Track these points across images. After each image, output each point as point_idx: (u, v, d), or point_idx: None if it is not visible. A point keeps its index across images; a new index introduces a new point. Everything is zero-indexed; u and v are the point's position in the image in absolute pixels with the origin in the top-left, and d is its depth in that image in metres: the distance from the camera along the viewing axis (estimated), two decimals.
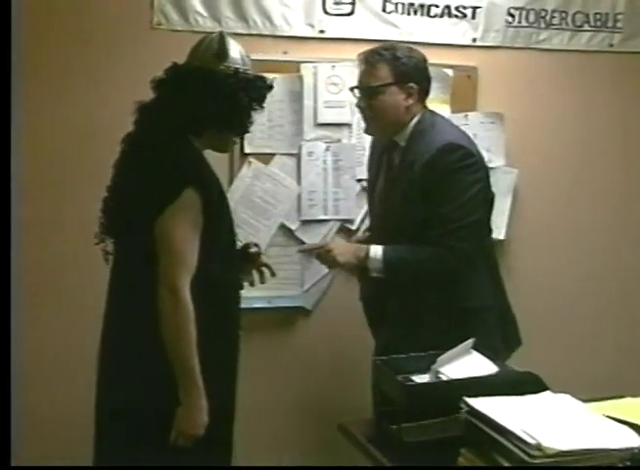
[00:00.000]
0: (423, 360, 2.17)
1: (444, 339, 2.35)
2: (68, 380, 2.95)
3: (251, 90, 2.24)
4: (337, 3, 3.19)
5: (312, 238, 3.21)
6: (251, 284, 2.54)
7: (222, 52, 2.23)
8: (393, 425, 2.04)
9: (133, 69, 2.88)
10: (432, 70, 3.23)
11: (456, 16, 3.32)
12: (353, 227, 3.26)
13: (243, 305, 3.05)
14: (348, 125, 3.23)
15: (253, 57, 3.04)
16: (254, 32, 3.10)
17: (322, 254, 2.59)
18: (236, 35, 3.04)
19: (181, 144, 2.19)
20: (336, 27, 3.19)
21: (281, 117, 3.15)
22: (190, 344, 2.09)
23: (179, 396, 2.12)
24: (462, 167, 2.49)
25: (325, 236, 3.24)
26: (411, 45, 3.23)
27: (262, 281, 2.60)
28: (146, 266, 2.12)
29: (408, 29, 3.27)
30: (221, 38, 2.27)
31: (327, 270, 3.21)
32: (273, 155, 3.16)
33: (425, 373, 2.13)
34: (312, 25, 3.17)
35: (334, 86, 3.20)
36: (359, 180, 3.24)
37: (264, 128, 3.12)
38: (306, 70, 3.16)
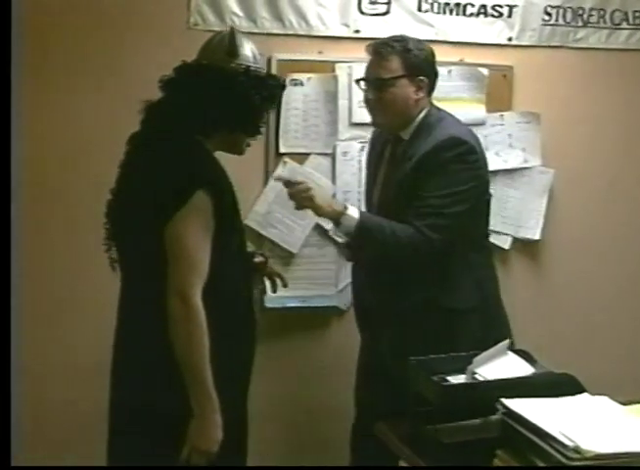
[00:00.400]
0: (459, 361, 2.16)
1: (428, 339, 2.45)
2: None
3: (262, 89, 2.16)
4: (372, 3, 3.19)
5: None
6: (263, 291, 2.49)
7: (233, 49, 2.16)
8: (429, 426, 2.04)
9: (170, 69, 2.89)
10: (467, 70, 3.27)
11: (492, 15, 3.30)
12: None
13: (277, 305, 3.10)
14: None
15: (289, 57, 3.12)
16: (290, 32, 3.11)
17: (300, 189, 2.45)
18: (271, 35, 3.10)
19: (191, 145, 2.11)
20: (371, 27, 3.19)
21: (316, 117, 3.16)
22: (203, 354, 2.00)
23: (192, 409, 2.02)
24: (459, 161, 2.46)
25: None
26: (444, 44, 3.28)
27: (274, 290, 2.56)
28: (156, 273, 2.03)
29: (443, 29, 3.26)
30: (232, 35, 2.19)
31: None
32: (308, 154, 3.17)
33: (461, 374, 2.13)
34: (347, 25, 3.17)
35: None
36: None
37: (299, 128, 3.13)
38: (341, 70, 3.16)
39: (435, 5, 3.25)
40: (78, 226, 2.73)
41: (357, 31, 3.18)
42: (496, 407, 1.90)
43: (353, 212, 2.46)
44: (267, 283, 2.56)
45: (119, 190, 2.20)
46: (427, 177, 2.45)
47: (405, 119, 2.56)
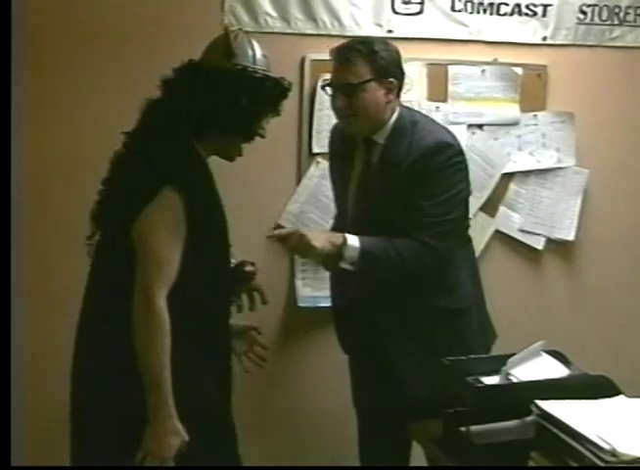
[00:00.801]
0: (492, 362, 2.15)
1: (428, 339, 2.44)
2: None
3: (257, 91, 2.06)
4: (405, 2, 3.19)
5: None
6: (239, 309, 2.33)
7: (228, 49, 2.07)
8: (462, 427, 2.03)
9: None
10: (501, 70, 3.25)
11: (526, 14, 3.28)
12: None
13: (309, 305, 3.11)
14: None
15: (322, 57, 3.10)
16: (323, 33, 3.12)
17: (294, 240, 2.36)
18: (305, 36, 3.11)
19: (177, 145, 2.04)
20: (404, 27, 3.18)
21: None
22: (161, 357, 1.93)
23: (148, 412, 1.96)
24: (451, 165, 2.43)
25: None
26: (478, 44, 3.27)
27: (252, 308, 2.39)
28: (124, 267, 1.99)
29: (477, 28, 3.24)
30: (226, 35, 2.12)
31: None
32: None
33: (494, 375, 2.11)
34: (380, 25, 3.17)
35: None
36: None
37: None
38: None
39: (469, 4, 3.23)
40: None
41: (390, 31, 3.18)
42: (531, 409, 1.89)
43: (353, 241, 2.38)
44: (245, 299, 2.39)
45: (106, 182, 2.15)
46: (421, 185, 2.40)
47: (377, 124, 2.49)
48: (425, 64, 3.20)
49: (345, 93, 2.45)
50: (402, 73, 2.54)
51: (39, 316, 3.00)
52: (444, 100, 3.24)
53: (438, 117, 3.22)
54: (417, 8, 3.20)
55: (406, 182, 2.41)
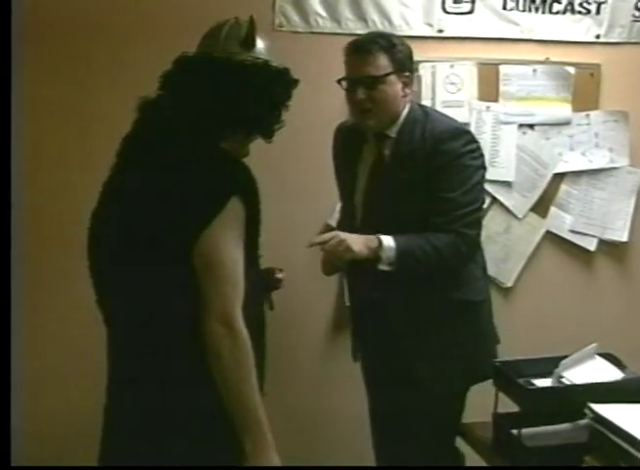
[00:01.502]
0: (544, 364, 2.14)
1: (447, 332, 2.42)
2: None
3: (282, 85, 1.91)
4: (456, 2, 3.17)
5: None
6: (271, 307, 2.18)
7: (250, 40, 1.90)
8: (514, 429, 2.02)
9: None
10: (553, 69, 3.22)
11: (579, 12, 3.24)
12: None
13: None
14: (466, 125, 3.19)
15: None
16: None
17: (334, 244, 2.32)
18: (355, 36, 3.08)
19: (212, 147, 1.83)
20: (455, 26, 3.17)
21: None
22: (255, 388, 1.72)
23: (246, 451, 1.73)
24: (468, 152, 2.42)
25: None
26: (530, 43, 3.23)
27: (271, 307, 2.20)
28: (179, 295, 1.75)
29: (529, 27, 3.21)
30: (251, 24, 1.93)
31: None
32: None
33: (547, 377, 2.10)
34: (431, 25, 3.16)
35: (452, 86, 3.18)
36: None
37: None
38: (425, 70, 3.15)
39: (521, 2, 3.20)
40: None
41: (441, 31, 3.17)
42: (584, 412, 1.87)
43: (388, 241, 2.35)
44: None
45: (108, 212, 1.87)
46: (442, 174, 2.39)
47: (393, 117, 2.48)
48: (475, 63, 3.18)
49: (366, 86, 2.42)
50: (414, 68, 2.57)
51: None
52: (495, 100, 3.21)
53: (489, 117, 3.23)
54: (468, 7, 3.18)
55: (422, 172, 2.40)
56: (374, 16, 3.11)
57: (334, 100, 2.93)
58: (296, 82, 1.94)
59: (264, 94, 1.86)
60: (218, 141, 1.83)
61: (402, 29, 3.12)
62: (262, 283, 2.03)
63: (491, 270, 3.27)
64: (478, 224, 2.45)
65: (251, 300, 1.78)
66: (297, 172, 3.07)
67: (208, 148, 1.81)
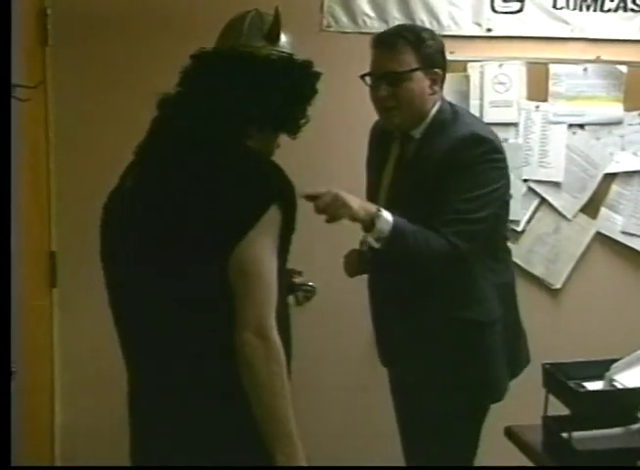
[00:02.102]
0: (596, 367, 2.12)
1: (450, 355, 2.30)
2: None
3: (305, 79, 1.80)
4: (505, 0, 3.14)
5: None
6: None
7: (275, 34, 1.81)
8: (564, 433, 2.00)
9: None
10: (604, 68, 3.18)
11: (632, 9, 3.19)
12: (519, 229, 3.21)
13: None
14: (515, 125, 3.18)
15: None
16: None
17: (327, 199, 2.16)
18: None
19: (246, 148, 1.74)
20: (504, 26, 3.14)
21: None
22: (288, 400, 1.65)
23: (277, 462, 1.65)
24: (485, 161, 2.23)
25: None
26: (580, 42, 3.19)
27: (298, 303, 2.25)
28: (205, 316, 1.67)
29: (580, 25, 3.17)
30: (277, 17, 1.82)
31: None
32: None
33: (597, 380, 2.07)
34: (480, 24, 3.14)
35: (501, 85, 3.16)
36: (525, 180, 3.20)
37: None
38: (473, 70, 3.14)
39: (572, 1, 3.17)
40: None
41: (490, 30, 3.14)
42: (637, 416, 1.84)
43: (387, 215, 2.19)
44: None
45: (128, 220, 1.76)
46: (451, 179, 2.22)
47: (420, 117, 2.31)
48: (524, 62, 3.16)
49: (389, 82, 2.27)
50: (446, 64, 2.38)
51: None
52: (544, 99, 3.18)
53: (538, 117, 3.20)
54: (517, 6, 3.15)
55: (436, 177, 2.24)
56: (422, 15, 3.10)
57: None
58: (318, 75, 1.82)
59: (291, 89, 1.76)
60: (246, 140, 1.74)
61: (451, 29, 3.11)
62: (289, 286, 2.01)
63: (540, 271, 3.27)
64: (472, 237, 2.21)
65: (280, 306, 1.71)
66: (338, 174, 3.03)
67: (239, 148, 1.72)
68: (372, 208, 2.20)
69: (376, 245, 2.20)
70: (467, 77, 3.13)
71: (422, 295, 2.31)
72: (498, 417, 2.60)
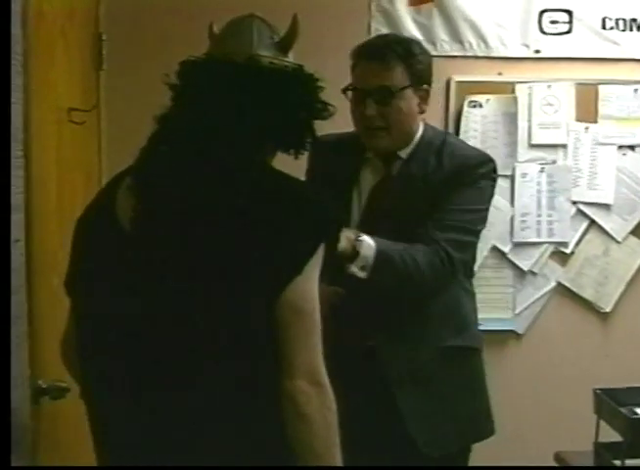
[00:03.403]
0: None
1: (445, 385, 2.11)
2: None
3: (314, 92, 1.62)
4: (553, 22, 3.14)
5: (525, 261, 3.16)
6: None
7: (289, 44, 1.63)
8: (616, 460, 1.97)
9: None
10: None
11: None
12: (567, 251, 3.18)
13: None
14: (564, 146, 3.16)
15: (467, 78, 3.12)
16: (469, 54, 3.11)
17: None
18: (450, 58, 3.11)
19: (274, 170, 1.56)
20: (552, 47, 3.14)
21: (494, 139, 3.13)
22: (339, 450, 1.49)
23: None
24: (487, 178, 2.16)
25: (538, 259, 3.17)
26: (630, 62, 3.17)
27: None
28: (252, 364, 1.46)
29: (630, 47, 3.15)
30: (295, 23, 1.66)
31: (539, 294, 3.17)
32: None
33: None
34: (528, 46, 3.14)
35: (549, 107, 3.14)
36: (574, 202, 3.17)
37: None
38: (521, 91, 3.13)
39: (621, 22, 3.15)
40: None
41: (538, 51, 3.14)
42: None
43: (368, 239, 2.00)
44: None
45: (145, 252, 1.49)
46: (454, 194, 2.10)
47: (407, 138, 2.14)
48: (573, 84, 3.14)
49: (378, 100, 2.06)
50: (432, 80, 2.19)
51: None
52: (594, 120, 3.16)
53: (588, 139, 3.17)
54: (565, 27, 3.14)
55: (435, 194, 2.10)
56: (470, 37, 3.10)
57: (431, 118, 2.96)
58: (322, 89, 1.61)
59: (304, 104, 1.59)
60: (267, 160, 1.57)
61: (499, 51, 3.12)
62: None
63: (589, 294, 3.23)
64: (464, 249, 2.10)
65: None
66: None
67: (272, 171, 1.54)
68: (351, 234, 1.99)
69: (361, 275, 1.98)
70: (515, 99, 3.13)
71: (410, 324, 2.11)
72: (548, 443, 2.58)
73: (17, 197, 1.72)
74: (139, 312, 1.47)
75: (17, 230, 1.64)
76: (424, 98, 2.12)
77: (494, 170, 2.19)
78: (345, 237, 1.94)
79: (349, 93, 2.11)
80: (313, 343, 1.47)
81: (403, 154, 2.15)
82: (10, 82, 1.36)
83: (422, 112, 2.13)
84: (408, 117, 2.10)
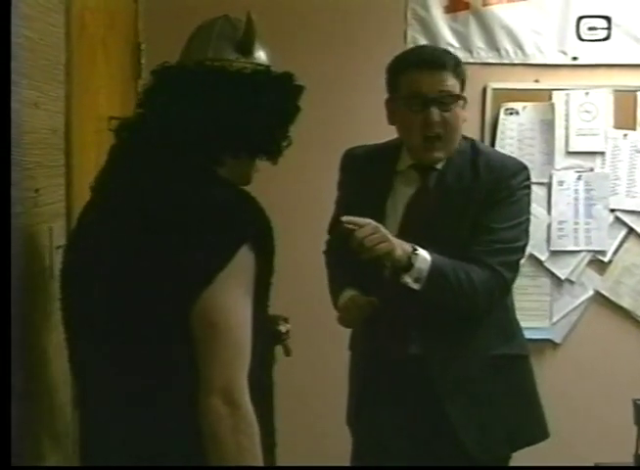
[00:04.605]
0: None
1: (494, 391, 2.09)
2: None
3: (291, 94, 1.57)
4: (591, 29, 3.11)
5: (562, 269, 3.13)
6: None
7: (248, 44, 1.56)
8: None
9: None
10: None
11: None
12: (605, 259, 3.15)
13: None
14: (602, 154, 3.13)
15: (504, 86, 3.11)
16: (506, 61, 3.10)
17: (368, 231, 1.94)
18: (487, 65, 3.10)
19: (214, 179, 1.49)
20: (590, 53, 3.11)
21: (531, 147, 3.11)
22: None
23: None
24: (525, 187, 2.14)
25: (575, 268, 3.14)
26: None
27: (287, 353, 1.92)
28: (169, 380, 1.41)
29: None
30: (249, 24, 1.56)
31: (577, 302, 3.14)
32: None
33: None
34: (565, 52, 3.11)
35: (587, 114, 3.12)
36: (612, 210, 3.14)
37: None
38: (558, 98, 3.11)
39: None
40: None
41: (575, 58, 3.11)
42: None
43: (424, 252, 1.99)
44: None
45: (85, 260, 1.49)
46: (495, 207, 2.09)
47: (454, 148, 2.12)
48: (611, 90, 3.11)
49: (441, 106, 2.05)
50: None
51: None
52: (632, 127, 3.13)
53: (626, 146, 3.14)
54: (604, 34, 3.12)
55: (476, 207, 2.09)
56: (507, 45, 3.09)
57: (467, 126, 2.95)
58: (300, 90, 1.57)
59: (270, 107, 1.53)
60: (216, 168, 1.50)
61: (535, 58, 3.11)
62: (270, 338, 1.73)
63: (627, 303, 3.20)
64: (516, 268, 2.12)
65: (258, 359, 1.47)
66: None
67: (206, 179, 1.47)
68: (407, 246, 1.99)
69: (415, 286, 1.99)
70: (552, 106, 3.11)
71: (457, 334, 2.08)
72: (586, 454, 2.55)
73: (58, 205, 1.75)
74: (77, 323, 1.51)
75: (58, 237, 1.67)
76: (464, 108, 2.12)
77: (529, 178, 2.17)
78: (402, 248, 1.96)
79: (397, 103, 2.09)
80: (229, 359, 1.39)
81: (439, 164, 2.13)
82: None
83: (464, 121, 2.13)
84: (460, 126, 2.10)
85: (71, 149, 1.81)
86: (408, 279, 1.97)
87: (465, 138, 2.17)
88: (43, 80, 1.64)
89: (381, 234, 1.94)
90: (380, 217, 2.10)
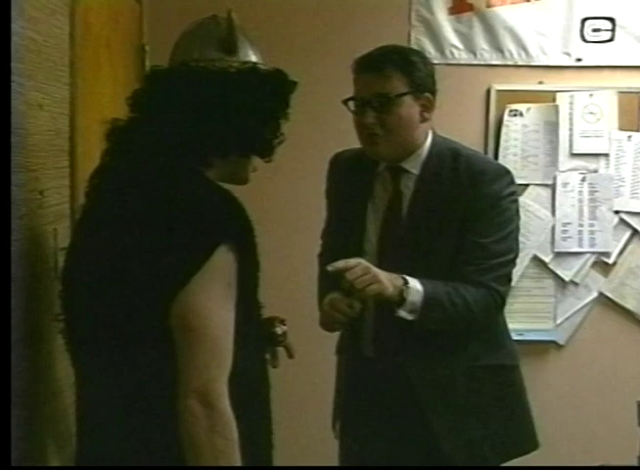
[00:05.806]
0: None
1: (481, 404, 2.08)
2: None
3: (280, 91, 1.57)
4: (595, 30, 3.11)
5: (566, 271, 3.13)
6: (273, 366, 1.86)
7: (231, 43, 1.57)
8: None
9: None
10: None
11: None
12: (610, 261, 3.14)
13: (516, 337, 3.03)
14: (606, 155, 3.13)
15: (508, 87, 3.10)
16: (510, 63, 3.10)
17: (358, 272, 1.93)
18: (491, 66, 3.10)
19: (196, 180, 1.49)
20: (594, 55, 3.11)
21: (535, 148, 3.11)
22: None
23: None
24: (508, 195, 2.09)
25: (580, 269, 3.14)
26: None
27: (275, 365, 1.87)
28: (149, 369, 1.43)
29: None
30: (230, 23, 1.58)
31: (581, 304, 3.14)
32: (527, 186, 3.12)
33: None
34: (569, 54, 3.11)
35: (591, 115, 3.12)
36: (617, 212, 3.14)
37: (518, 159, 3.10)
38: (562, 100, 3.11)
39: None
40: None
41: (579, 60, 3.12)
42: None
43: (415, 283, 1.99)
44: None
45: (81, 255, 1.52)
46: (480, 218, 2.06)
47: (409, 147, 2.10)
48: (616, 92, 3.11)
49: (376, 107, 2.06)
50: (436, 90, 2.14)
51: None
52: (637, 129, 3.13)
53: (630, 148, 3.14)
54: (607, 35, 3.12)
55: (458, 215, 2.07)
56: (510, 46, 3.09)
57: (471, 128, 2.94)
58: (292, 85, 1.57)
59: (257, 104, 1.53)
60: (203, 170, 1.50)
61: (539, 59, 3.10)
62: (264, 339, 1.73)
63: (631, 305, 3.19)
64: (509, 280, 2.11)
65: (250, 362, 1.49)
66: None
67: (189, 180, 1.47)
68: (398, 280, 1.98)
69: (410, 317, 1.99)
70: (556, 107, 3.11)
71: (442, 344, 2.07)
72: (590, 456, 2.55)
73: (62, 206, 1.76)
74: (71, 325, 1.53)
75: (63, 239, 1.67)
76: (427, 107, 2.09)
77: (512, 182, 2.14)
78: (393, 284, 1.95)
79: (351, 104, 2.11)
80: (206, 361, 1.39)
81: (413, 168, 2.11)
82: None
83: (424, 120, 2.09)
84: (408, 125, 2.08)
85: (76, 150, 1.81)
86: (403, 313, 1.97)
87: (445, 140, 2.16)
88: (47, 82, 1.64)
89: (371, 275, 1.93)
90: (360, 225, 2.15)
